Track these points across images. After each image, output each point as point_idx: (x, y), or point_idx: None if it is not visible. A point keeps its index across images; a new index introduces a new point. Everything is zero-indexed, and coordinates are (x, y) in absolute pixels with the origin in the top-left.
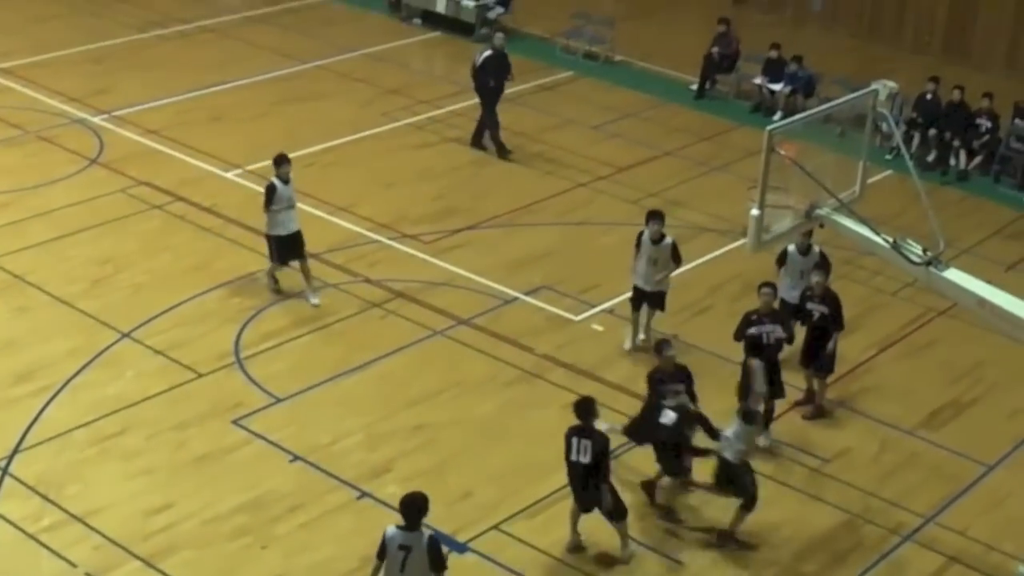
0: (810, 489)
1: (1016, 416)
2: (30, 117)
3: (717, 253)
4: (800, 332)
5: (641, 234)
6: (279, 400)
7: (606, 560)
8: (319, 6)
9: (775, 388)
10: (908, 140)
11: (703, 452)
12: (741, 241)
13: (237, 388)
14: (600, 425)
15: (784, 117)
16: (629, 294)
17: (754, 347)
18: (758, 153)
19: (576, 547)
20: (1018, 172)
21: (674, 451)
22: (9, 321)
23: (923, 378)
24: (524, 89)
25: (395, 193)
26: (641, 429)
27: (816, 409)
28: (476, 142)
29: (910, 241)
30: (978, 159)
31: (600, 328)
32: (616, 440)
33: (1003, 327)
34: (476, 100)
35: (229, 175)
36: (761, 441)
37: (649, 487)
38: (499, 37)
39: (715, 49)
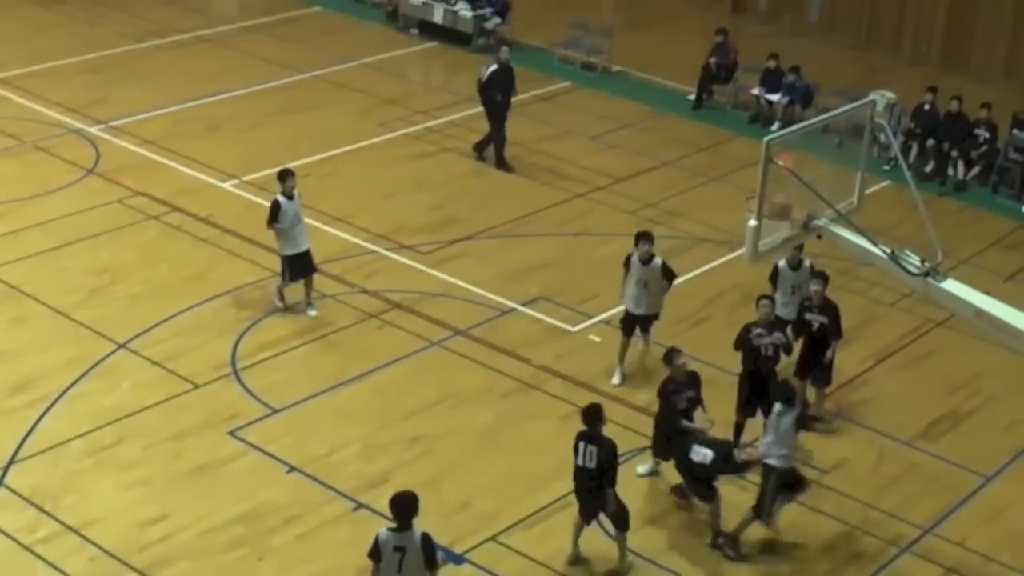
0: (808, 500)
1: (1014, 427)
2: (27, 127)
3: (715, 264)
4: (797, 343)
5: (630, 256)
6: (276, 411)
7: (605, 573)
8: (316, 16)
9: (768, 404)
10: (906, 150)
11: (743, 468)
12: (739, 251)
13: (234, 399)
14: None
15: (782, 127)
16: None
17: (752, 358)
18: (756, 164)
19: (576, 560)
20: (1016, 183)
21: (707, 480)
22: (5, 332)
23: (921, 389)
24: (522, 99)
25: (392, 203)
26: (666, 446)
27: (810, 419)
28: (479, 151)
29: (908, 252)
30: (976, 169)
31: (597, 339)
32: (627, 446)
33: (1001, 338)
34: (474, 111)
35: (226, 185)
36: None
37: (680, 491)
38: (504, 51)
39: (713, 59)
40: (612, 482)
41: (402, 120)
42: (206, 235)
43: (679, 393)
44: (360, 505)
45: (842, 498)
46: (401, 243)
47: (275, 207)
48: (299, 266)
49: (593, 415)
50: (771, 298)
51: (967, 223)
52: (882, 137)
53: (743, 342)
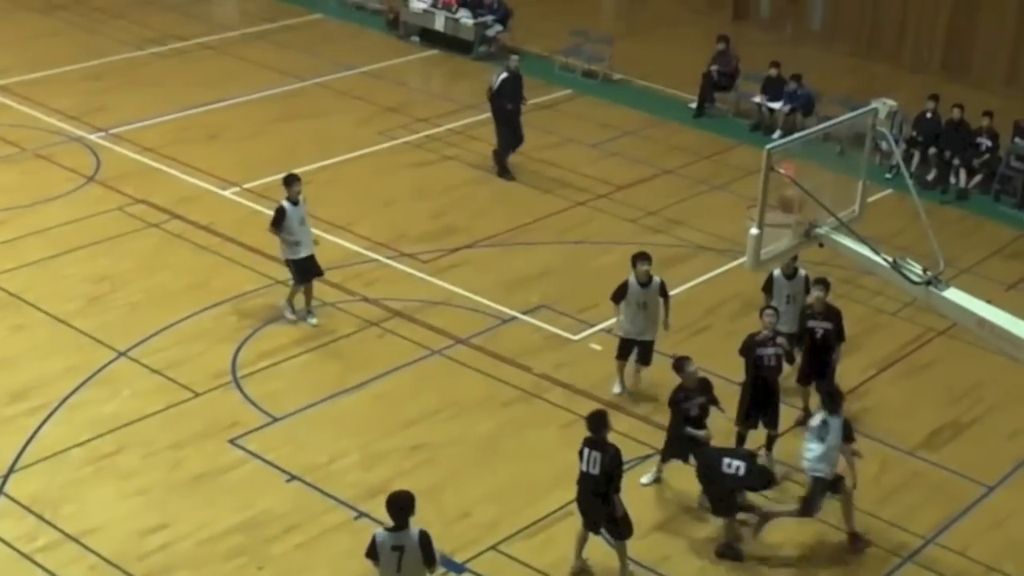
0: None
1: (1016, 436)
2: (27, 135)
3: (716, 272)
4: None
5: (625, 283)
6: (276, 419)
7: None
8: (317, 23)
9: (770, 417)
10: (908, 159)
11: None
12: (740, 260)
13: (234, 407)
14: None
15: (783, 135)
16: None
17: (755, 368)
18: (757, 172)
19: (580, 572)
20: (1018, 191)
21: (730, 495)
22: (5, 339)
23: (923, 398)
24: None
25: (393, 211)
26: (678, 450)
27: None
28: (502, 171)
29: (910, 260)
30: (978, 178)
31: (598, 347)
32: (628, 454)
33: (1003, 347)
34: (475, 119)
35: (226, 193)
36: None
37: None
38: (514, 59)
39: (714, 67)
40: (616, 488)
41: (403, 128)
42: (207, 243)
43: (690, 400)
44: (361, 514)
45: None
46: (402, 251)
47: (280, 212)
48: (304, 269)
49: (598, 421)
50: (775, 308)
51: (969, 232)
52: (884, 145)
53: (747, 351)
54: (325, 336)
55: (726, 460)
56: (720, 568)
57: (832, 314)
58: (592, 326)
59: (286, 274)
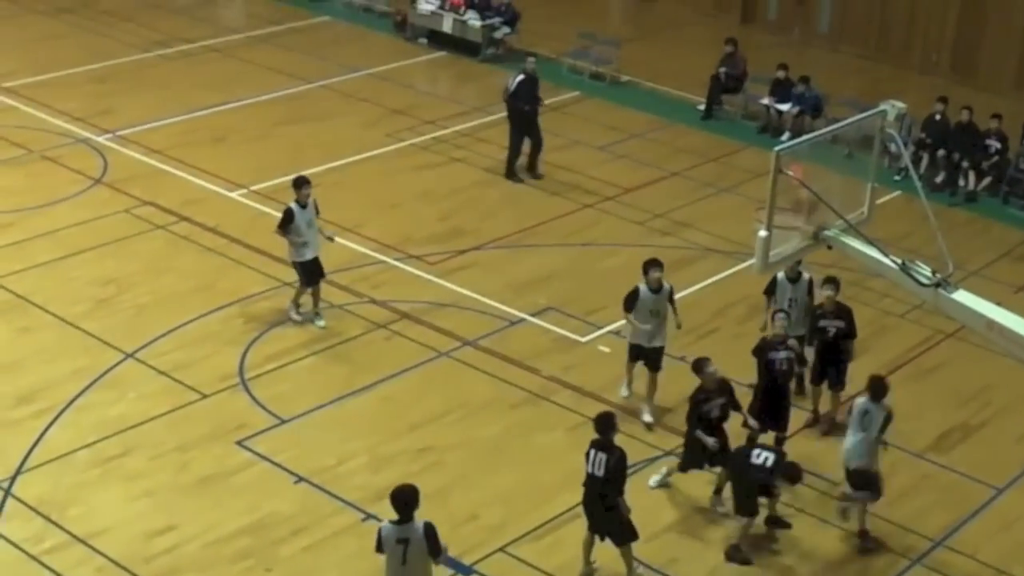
0: (819, 512)
1: None
2: (34, 137)
3: (724, 275)
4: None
5: (635, 291)
6: (283, 421)
7: None
8: (324, 26)
9: (779, 419)
10: (916, 161)
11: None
12: (748, 263)
13: (241, 409)
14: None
15: (792, 138)
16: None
17: (768, 372)
18: (765, 174)
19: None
20: None
21: (757, 491)
22: (12, 342)
23: (932, 401)
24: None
25: (400, 214)
26: (698, 458)
27: (829, 423)
28: (533, 170)
29: (918, 263)
30: (987, 180)
31: (607, 350)
32: (634, 457)
33: (1012, 350)
34: (482, 121)
35: (233, 195)
36: None
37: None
38: (531, 62)
39: (722, 69)
40: (620, 492)
41: (410, 130)
42: (214, 245)
43: (710, 401)
44: (368, 516)
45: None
46: (409, 253)
47: (288, 214)
48: (311, 272)
49: (605, 423)
50: (787, 312)
51: (978, 234)
52: (892, 147)
53: (759, 353)
54: (333, 338)
55: (756, 451)
56: (728, 570)
57: (843, 312)
58: (600, 328)
59: (293, 276)
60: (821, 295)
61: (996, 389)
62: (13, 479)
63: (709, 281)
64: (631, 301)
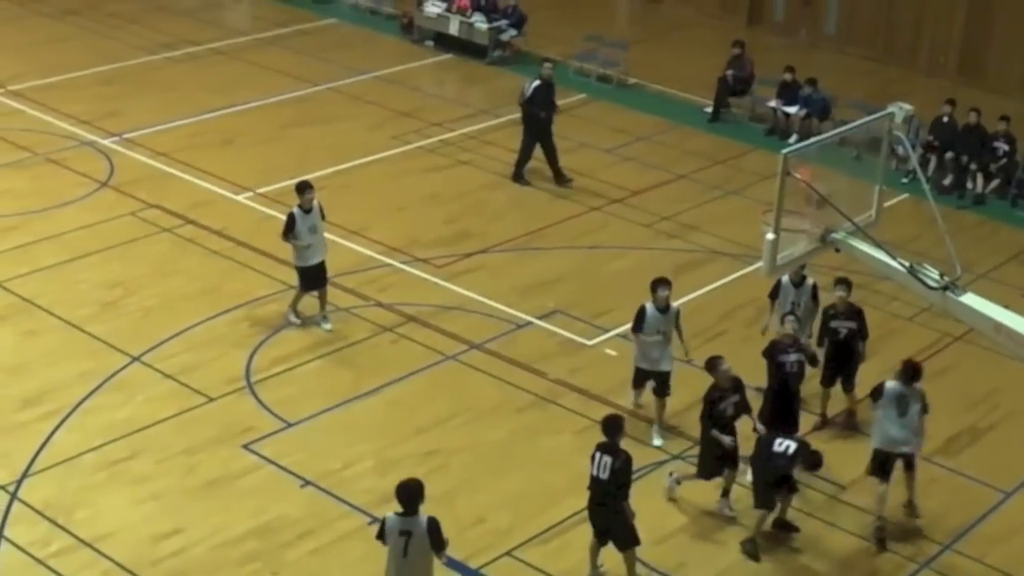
0: (827, 515)
1: None
2: (40, 139)
3: (731, 277)
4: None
5: (642, 310)
6: (290, 425)
7: None
8: (330, 28)
9: (789, 422)
10: (924, 163)
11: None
12: (755, 266)
13: (248, 413)
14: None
15: (799, 140)
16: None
17: (778, 374)
18: (773, 177)
19: None
20: None
21: (776, 483)
22: (18, 345)
23: (940, 404)
24: None
25: (407, 217)
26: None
27: (849, 419)
28: (559, 178)
29: (926, 266)
30: (995, 183)
31: (613, 353)
32: (641, 462)
33: (1020, 353)
34: (489, 124)
35: (240, 198)
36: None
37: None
38: (547, 67)
39: (729, 72)
40: (624, 496)
41: (416, 133)
42: (220, 248)
43: (725, 399)
44: (374, 520)
45: (861, 513)
46: (415, 256)
47: (290, 220)
48: (309, 277)
49: (613, 426)
50: (796, 316)
51: (986, 237)
52: (900, 150)
53: (769, 355)
54: (339, 341)
55: (778, 440)
56: (736, 573)
57: (855, 313)
58: (607, 331)
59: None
60: (833, 296)
61: (1004, 392)
62: (19, 482)
63: (716, 284)
64: (638, 321)
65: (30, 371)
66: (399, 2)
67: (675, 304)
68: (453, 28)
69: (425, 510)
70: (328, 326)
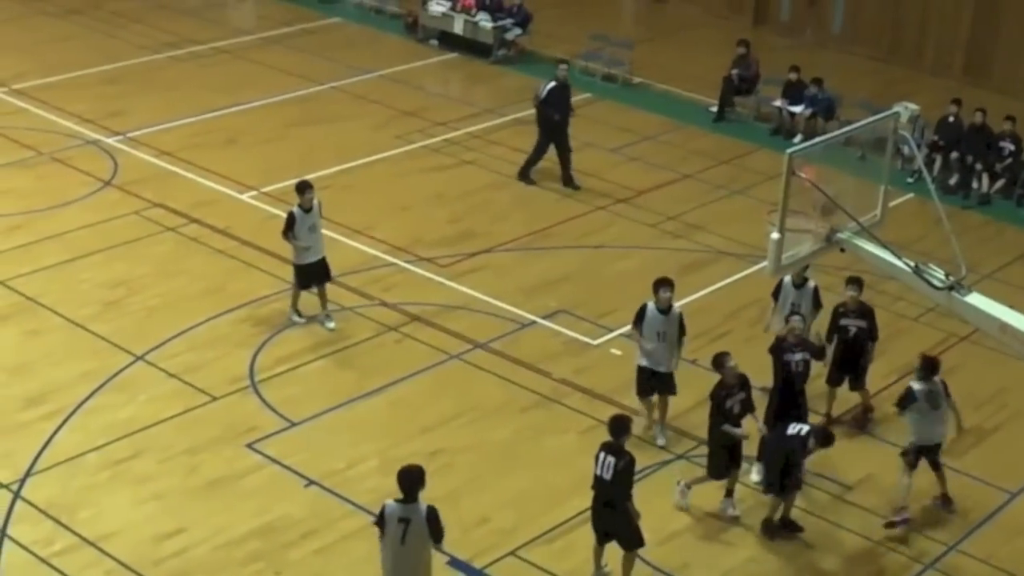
0: (832, 516)
1: None
2: (44, 138)
3: (736, 277)
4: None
5: (643, 308)
6: (294, 424)
7: None
8: (334, 27)
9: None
10: (930, 163)
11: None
12: (760, 265)
13: (251, 412)
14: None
15: (804, 140)
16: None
17: (783, 373)
18: (778, 176)
19: None
20: None
21: (787, 469)
22: (21, 344)
23: None
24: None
25: (411, 216)
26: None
27: (865, 412)
28: (567, 180)
29: (932, 266)
30: (1000, 183)
31: (618, 352)
32: (647, 460)
33: None
34: (493, 123)
35: (244, 197)
36: (754, 476)
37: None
38: (563, 68)
39: (734, 71)
40: (627, 497)
41: (421, 132)
42: (223, 247)
43: (732, 396)
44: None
45: (866, 514)
46: (420, 256)
47: (290, 219)
48: (307, 275)
49: (619, 426)
50: (801, 314)
51: (991, 237)
52: (905, 150)
53: (775, 354)
54: (343, 341)
55: (792, 425)
56: (740, 574)
57: (866, 312)
58: (611, 331)
59: None
60: (843, 296)
61: (1010, 393)
62: (22, 482)
63: (721, 284)
64: (638, 318)
65: (33, 370)
66: (403, 1)
67: (678, 307)
68: (458, 27)
69: (424, 489)
70: (331, 324)
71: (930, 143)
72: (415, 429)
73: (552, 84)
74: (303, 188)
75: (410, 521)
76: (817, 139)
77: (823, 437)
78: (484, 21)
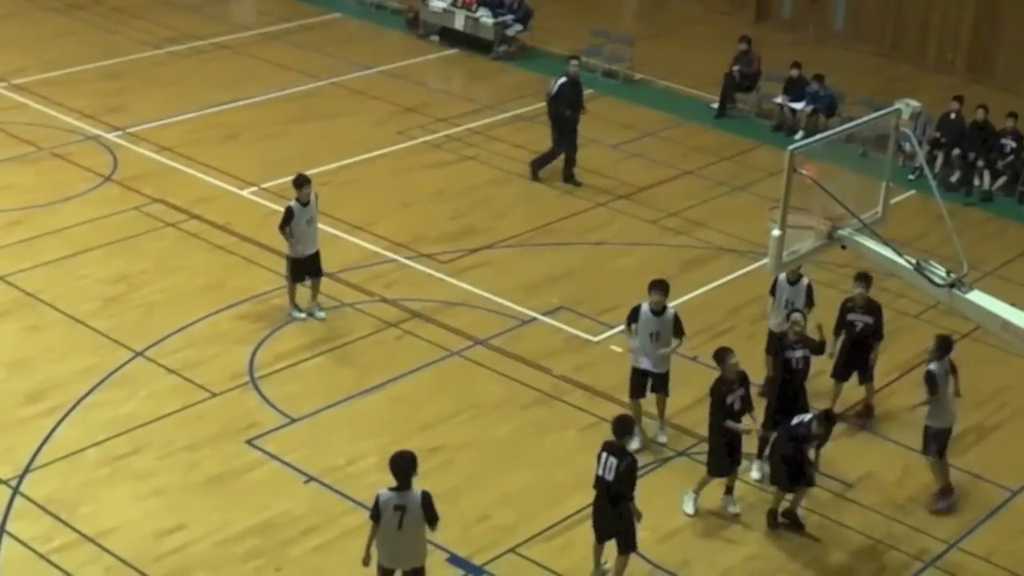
0: (833, 514)
1: None
2: (44, 134)
3: (737, 274)
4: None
5: (638, 308)
6: (294, 420)
7: None
8: (335, 23)
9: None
10: (931, 160)
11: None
12: (762, 262)
13: (251, 408)
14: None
15: (806, 136)
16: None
17: (784, 370)
18: (779, 173)
19: None
20: None
21: (793, 458)
22: (22, 340)
23: None
24: (542, 107)
25: (412, 212)
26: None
27: (867, 410)
28: (568, 177)
29: (933, 263)
30: (1002, 180)
31: (619, 349)
32: (646, 459)
33: None
34: (494, 119)
35: (244, 193)
36: (754, 473)
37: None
38: (574, 64)
39: (736, 68)
40: (629, 498)
41: (422, 128)
42: (224, 243)
43: (732, 393)
44: None
45: (867, 512)
46: (420, 252)
47: (288, 213)
48: (302, 268)
49: (623, 427)
50: (802, 311)
51: (993, 234)
52: (907, 147)
53: (776, 352)
54: (343, 337)
55: (796, 417)
56: (741, 571)
57: (873, 308)
58: (612, 328)
59: None
60: (853, 290)
61: (1011, 390)
62: (22, 477)
63: (722, 280)
64: (632, 317)
65: (33, 366)
66: None
67: (672, 308)
68: (459, 23)
69: (416, 474)
70: (322, 314)
71: (932, 140)
72: (415, 426)
73: (563, 80)
74: (301, 182)
75: (406, 508)
76: (819, 136)
77: (825, 419)
78: (485, 17)
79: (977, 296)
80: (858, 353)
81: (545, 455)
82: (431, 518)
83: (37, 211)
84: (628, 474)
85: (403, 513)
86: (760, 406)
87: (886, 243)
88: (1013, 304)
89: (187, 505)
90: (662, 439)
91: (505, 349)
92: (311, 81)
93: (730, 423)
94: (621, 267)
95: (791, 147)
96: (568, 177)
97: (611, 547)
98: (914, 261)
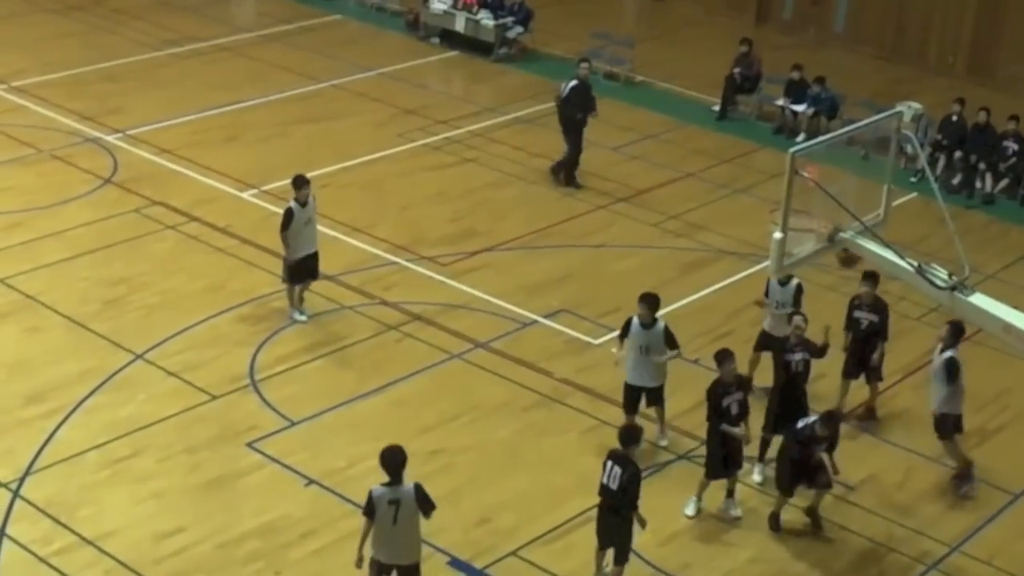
0: (834, 516)
1: None
2: (44, 136)
3: (738, 277)
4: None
5: (630, 320)
6: (294, 423)
7: None
8: (336, 25)
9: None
10: (933, 163)
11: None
12: (762, 265)
13: (251, 411)
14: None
15: (807, 139)
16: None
17: (785, 373)
18: (780, 175)
19: None
20: None
21: (800, 466)
22: (21, 342)
23: None
24: (542, 110)
25: (412, 214)
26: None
27: (869, 412)
28: (557, 173)
29: (935, 266)
30: (1004, 182)
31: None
32: (646, 461)
33: None
34: (495, 121)
35: (244, 195)
36: (756, 476)
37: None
38: (584, 67)
39: (737, 70)
40: (633, 506)
41: (422, 131)
42: (223, 245)
43: (729, 395)
44: None
45: (868, 515)
46: (420, 254)
47: (288, 215)
48: (299, 270)
49: (629, 436)
50: (803, 314)
51: (994, 237)
52: (909, 149)
53: (777, 355)
54: (343, 340)
55: (800, 420)
56: (742, 574)
57: (880, 307)
58: (613, 330)
59: None
60: (860, 288)
61: (1013, 393)
62: (22, 480)
63: (723, 283)
64: (624, 331)
65: (33, 368)
66: None
67: (662, 321)
68: (459, 25)
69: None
70: (303, 317)
71: (933, 142)
72: (416, 428)
73: (573, 83)
74: (300, 183)
75: (400, 501)
76: (820, 138)
77: (829, 419)
78: (486, 19)
79: (979, 299)
80: (864, 350)
81: (546, 458)
82: (426, 507)
83: (37, 213)
84: (631, 485)
85: (398, 507)
86: (757, 411)
87: (888, 246)
88: (1015, 307)
89: (187, 508)
90: (663, 442)
91: (505, 352)
92: (311, 83)
93: (726, 427)
94: (622, 270)
95: (792, 149)
96: (569, 180)
97: (612, 554)
98: (916, 264)
